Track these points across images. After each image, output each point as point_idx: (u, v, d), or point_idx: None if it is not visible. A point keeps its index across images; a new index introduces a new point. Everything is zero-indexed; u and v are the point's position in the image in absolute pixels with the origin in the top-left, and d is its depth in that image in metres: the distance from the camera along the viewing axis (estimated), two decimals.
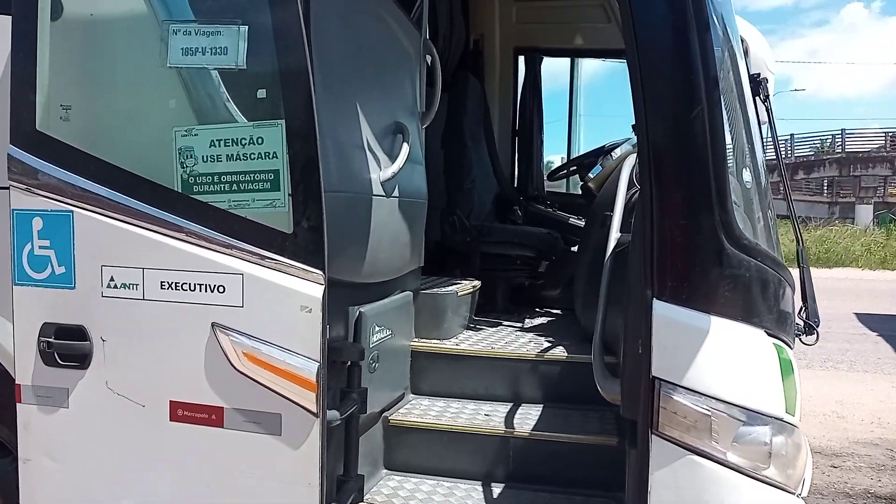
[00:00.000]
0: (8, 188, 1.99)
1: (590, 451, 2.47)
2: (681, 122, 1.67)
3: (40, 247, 1.97)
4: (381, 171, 2.42)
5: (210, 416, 1.85)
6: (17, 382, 2.03)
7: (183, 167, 1.86)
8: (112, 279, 1.91)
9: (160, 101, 1.97)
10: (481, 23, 4.51)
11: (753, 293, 1.74)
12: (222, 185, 1.84)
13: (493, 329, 3.33)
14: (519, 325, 3.51)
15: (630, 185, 2.36)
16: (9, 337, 2.15)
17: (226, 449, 1.86)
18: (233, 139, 1.83)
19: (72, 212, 1.93)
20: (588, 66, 4.99)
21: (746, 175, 2.07)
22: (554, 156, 5.17)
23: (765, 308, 1.76)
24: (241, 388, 1.82)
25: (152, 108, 1.99)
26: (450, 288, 3.13)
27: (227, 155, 1.84)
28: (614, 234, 2.13)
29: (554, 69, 4.93)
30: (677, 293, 1.68)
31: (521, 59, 4.62)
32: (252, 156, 1.82)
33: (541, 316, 3.82)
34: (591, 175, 3.31)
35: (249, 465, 1.85)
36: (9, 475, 2.36)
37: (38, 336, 1.98)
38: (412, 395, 2.90)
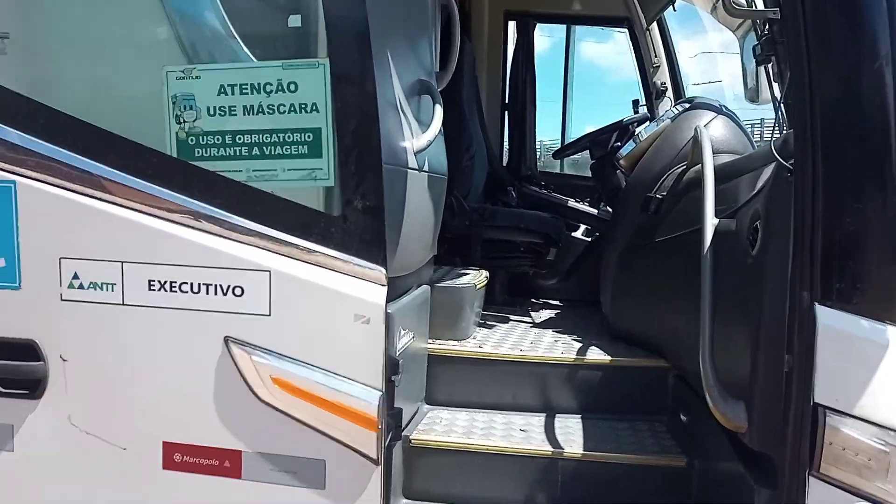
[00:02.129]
0: None
1: (651, 475, 2.11)
2: (862, 79, 1.30)
3: None
4: (413, 138, 1.95)
5: (222, 464, 1.37)
6: None
7: (179, 122, 1.35)
8: (76, 276, 1.39)
9: (144, 29, 1.43)
10: None
11: None
12: (237, 149, 1.35)
13: (506, 326, 2.93)
14: (528, 319, 3.13)
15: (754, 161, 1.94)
16: None
17: None
18: (253, 85, 1.34)
19: (13, 182, 1.39)
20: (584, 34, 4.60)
21: None
22: (544, 135, 4.78)
23: None
24: (267, 425, 1.35)
25: (131, 38, 1.45)
26: (464, 280, 2.70)
27: (245, 106, 1.34)
28: (710, 220, 1.76)
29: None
30: (848, 297, 1.32)
31: (512, 24, 4.19)
32: (281, 108, 1.33)
33: (543, 308, 3.45)
34: (622, 153, 2.95)
35: None
36: None
37: None
38: (426, 406, 2.46)
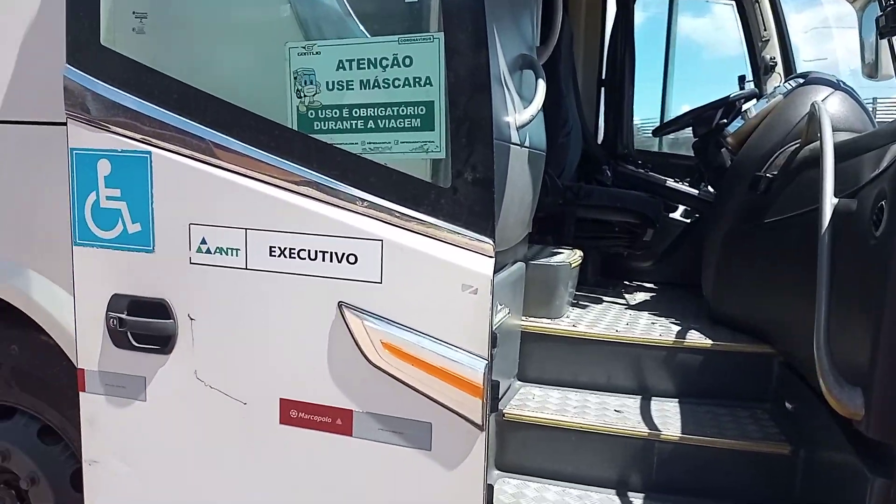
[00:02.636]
0: (65, 122, 1.56)
1: (755, 461, 2.05)
2: None
3: (108, 197, 1.54)
4: (516, 113, 1.95)
5: (334, 421, 1.44)
6: (79, 367, 1.62)
7: (300, 96, 1.41)
8: (203, 241, 1.48)
9: (269, 7, 1.50)
10: None
11: None
12: (354, 122, 1.40)
13: (600, 307, 2.90)
14: (622, 301, 3.08)
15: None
16: (65, 309, 1.75)
17: (354, 463, 1.45)
18: (369, 59, 1.37)
19: (149, 153, 1.49)
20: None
21: None
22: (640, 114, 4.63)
23: None
24: (377, 387, 1.40)
25: (258, 17, 1.52)
26: (559, 258, 2.69)
27: (362, 81, 1.38)
28: (830, 200, 1.67)
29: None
30: None
31: None
32: (396, 82, 1.37)
33: (637, 291, 3.38)
34: (729, 130, 2.84)
35: (385, 486, 1.44)
36: (59, 466, 2.00)
37: (107, 311, 1.56)
38: (518, 383, 2.49)
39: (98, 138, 1.52)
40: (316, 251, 1.42)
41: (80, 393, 1.62)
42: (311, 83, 1.40)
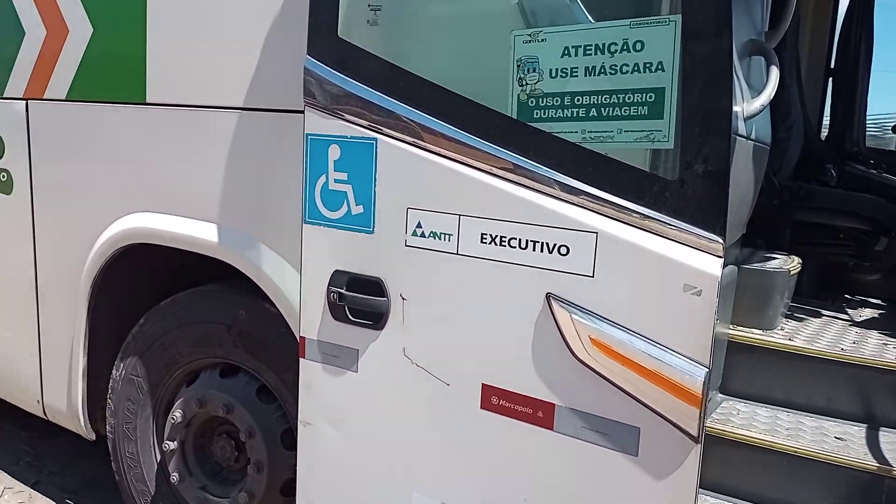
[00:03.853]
0: (302, 111, 1.69)
1: None
2: None
3: (336, 180, 1.65)
4: (744, 102, 1.80)
5: (535, 413, 1.43)
6: (300, 335, 1.77)
7: (521, 84, 1.40)
8: (419, 225, 1.54)
9: None
10: None
11: None
12: (575, 110, 1.36)
13: (819, 321, 2.60)
14: (845, 317, 2.74)
15: None
16: (287, 281, 1.91)
17: (554, 457, 1.43)
18: (598, 45, 1.33)
19: (375, 139, 1.57)
20: None
21: None
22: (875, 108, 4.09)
23: None
24: (582, 383, 1.37)
25: (482, 7, 1.54)
26: (775, 264, 2.45)
27: (587, 67, 1.34)
28: None
29: None
30: None
31: None
32: (624, 68, 1.31)
33: (862, 306, 2.99)
34: None
35: (585, 485, 1.41)
36: (273, 424, 2.19)
37: (328, 285, 1.68)
38: (720, 395, 2.31)
39: (330, 125, 1.63)
40: (527, 240, 1.41)
41: (300, 359, 1.76)
42: (534, 71, 1.38)
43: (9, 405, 2.94)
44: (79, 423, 2.59)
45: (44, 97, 2.45)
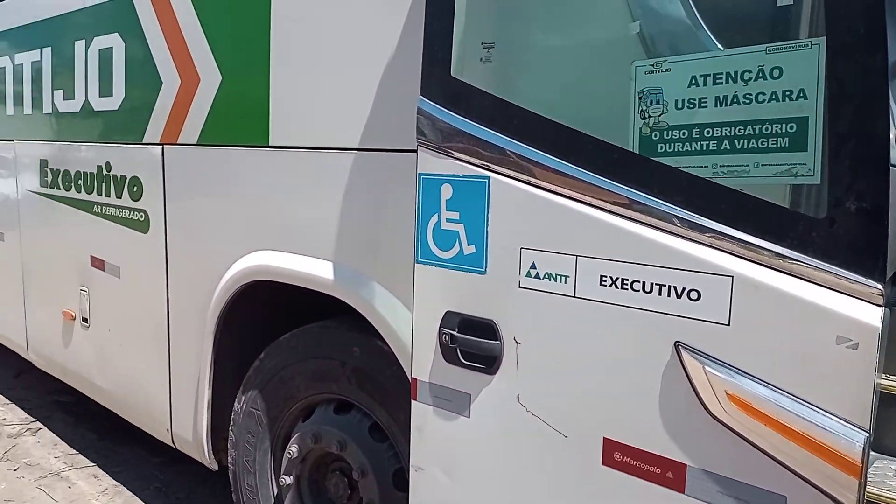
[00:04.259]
0: (415, 150, 1.68)
1: None
2: None
3: (448, 220, 1.62)
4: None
5: (664, 473, 1.31)
6: (412, 376, 1.74)
7: (644, 117, 1.32)
8: (533, 266, 1.47)
9: (611, 28, 1.45)
10: None
11: None
12: (704, 143, 1.26)
13: None
14: None
15: None
16: (399, 319, 1.89)
17: None
18: (730, 73, 1.23)
19: (488, 178, 1.54)
20: None
21: None
22: None
23: None
24: (717, 443, 1.24)
25: (599, 39, 1.48)
26: None
27: (717, 97, 1.24)
28: None
29: None
30: None
31: None
32: (760, 97, 1.20)
33: None
34: None
35: None
36: (385, 463, 2.17)
37: (440, 326, 1.64)
38: (873, 454, 2.04)
39: (443, 164, 1.61)
40: (652, 284, 1.31)
41: (412, 401, 1.73)
42: (658, 102, 1.30)
43: (141, 430, 3.13)
44: (203, 454, 2.70)
45: (177, 142, 2.63)
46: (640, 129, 1.32)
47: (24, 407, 4.30)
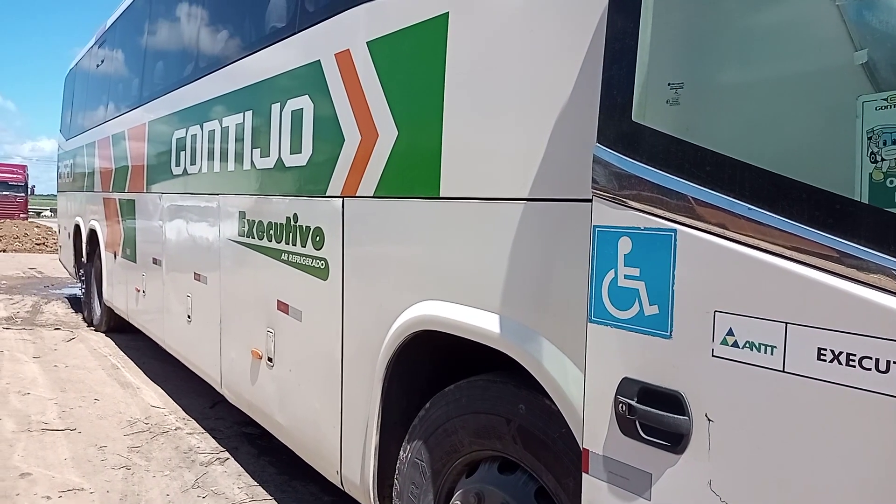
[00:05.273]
0: (589, 200, 1.57)
1: None
2: None
3: (626, 276, 1.47)
4: None
5: None
6: (584, 447, 1.59)
7: (874, 160, 1.10)
8: (730, 333, 1.28)
9: (836, 58, 1.25)
10: None
11: None
12: None
13: None
14: None
15: None
16: (569, 379, 1.76)
17: None
18: None
19: (674, 230, 1.37)
20: None
21: None
22: None
23: None
24: None
25: (817, 71, 1.28)
26: None
27: None
28: None
29: None
30: None
31: None
32: None
33: None
34: None
35: None
36: None
37: (616, 394, 1.48)
38: None
39: (621, 215, 1.48)
40: (887, 361, 1.06)
41: (584, 474, 1.57)
42: (893, 143, 1.08)
43: (313, 468, 3.23)
44: (369, 499, 2.70)
45: (356, 194, 2.73)
46: (871, 174, 1.10)
47: (216, 437, 4.67)
